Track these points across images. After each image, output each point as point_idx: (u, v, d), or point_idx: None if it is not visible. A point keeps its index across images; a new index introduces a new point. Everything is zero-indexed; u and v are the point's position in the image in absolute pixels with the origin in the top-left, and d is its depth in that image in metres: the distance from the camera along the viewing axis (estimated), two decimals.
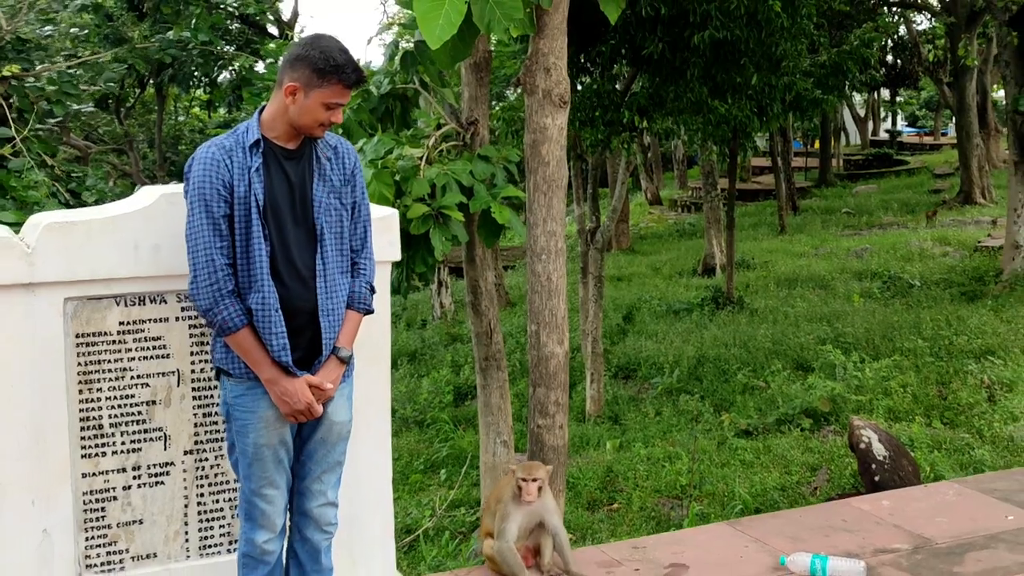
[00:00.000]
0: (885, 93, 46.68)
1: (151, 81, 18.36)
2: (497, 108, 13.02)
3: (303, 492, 3.37)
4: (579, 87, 12.24)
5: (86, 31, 11.74)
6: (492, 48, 15.60)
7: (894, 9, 27.00)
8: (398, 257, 3.88)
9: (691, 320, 16.02)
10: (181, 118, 27.03)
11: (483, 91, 7.91)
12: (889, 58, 33.91)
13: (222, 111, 19.36)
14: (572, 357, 14.78)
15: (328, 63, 3.11)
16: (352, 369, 3.39)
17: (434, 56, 5.85)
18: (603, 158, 19.15)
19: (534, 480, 4.19)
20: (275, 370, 3.14)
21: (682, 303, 17.21)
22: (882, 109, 51.55)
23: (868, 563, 4.29)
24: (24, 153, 6.10)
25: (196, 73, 15.39)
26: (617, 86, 12.18)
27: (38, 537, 3.35)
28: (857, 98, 43.15)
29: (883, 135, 47.42)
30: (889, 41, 31.98)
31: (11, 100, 6.42)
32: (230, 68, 10.75)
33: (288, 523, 3.41)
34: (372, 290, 3.39)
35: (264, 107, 3.26)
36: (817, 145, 35.21)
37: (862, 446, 8.28)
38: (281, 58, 3.27)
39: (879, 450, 8.24)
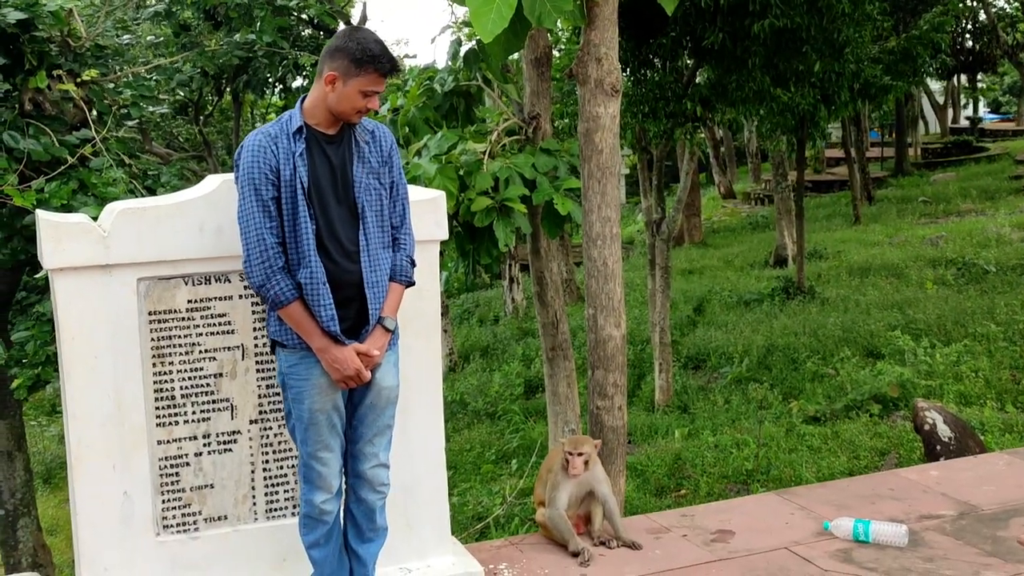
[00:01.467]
0: (965, 80, 45.64)
1: (228, 88, 18.92)
2: (559, 104, 13.16)
3: (356, 455, 3.60)
4: (642, 80, 12.34)
5: (161, 39, 12.20)
6: (562, 45, 15.73)
7: None
8: (446, 236, 4.08)
9: (761, 310, 16.02)
10: (258, 125, 27.70)
11: (544, 86, 8.08)
12: (969, 43, 33.22)
13: None
14: (642, 348, 14.94)
15: (365, 53, 3.33)
16: (397, 337, 3.61)
17: (488, 49, 6.06)
18: (669, 150, 19.21)
19: (580, 454, 4.37)
20: (325, 339, 3.37)
21: (752, 294, 17.20)
22: (962, 96, 50.42)
23: (912, 528, 4.39)
24: (103, 153, 6.49)
25: (270, 79, 15.83)
26: (678, 77, 12.26)
27: (119, 498, 3.64)
28: (936, 85, 42.30)
29: (963, 122, 46.39)
30: (969, 24, 31.37)
31: (91, 104, 6.82)
32: (303, 73, 11.11)
33: (344, 486, 3.64)
34: (412, 263, 3.60)
35: (305, 96, 3.50)
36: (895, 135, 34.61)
37: (926, 427, 8.28)
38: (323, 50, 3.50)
39: (944, 431, 8.23)
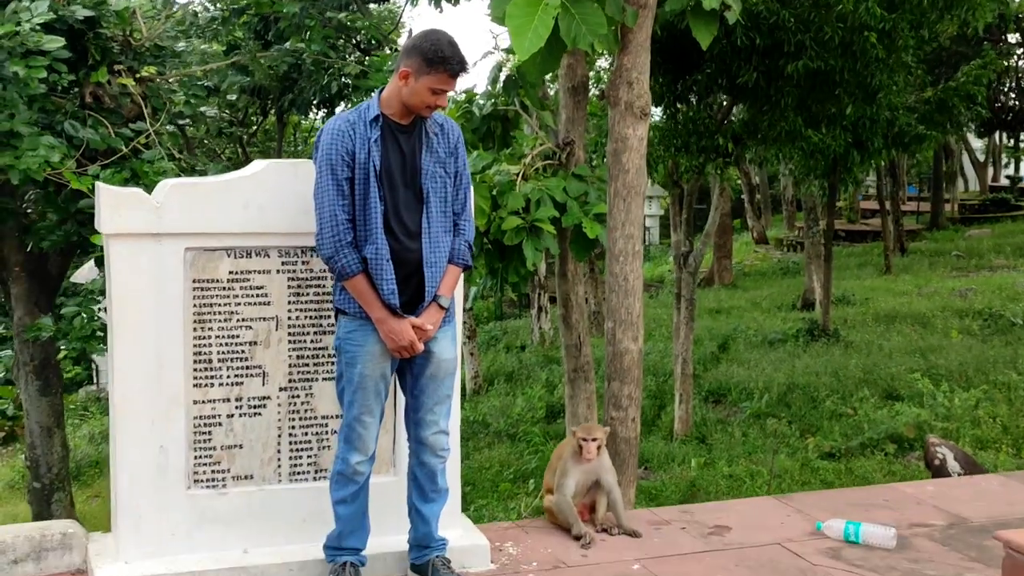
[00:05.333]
0: (1008, 139, 45.54)
1: (272, 108, 19.42)
2: (594, 135, 13.46)
3: (418, 423, 3.91)
4: (676, 114, 12.62)
5: (211, 55, 12.70)
6: (603, 75, 16.03)
7: (1018, 50, 26.66)
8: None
9: (785, 350, 16.17)
10: (299, 148, 28.25)
11: (580, 113, 8.34)
12: (1016, 102, 33.17)
13: None
14: (665, 380, 15.12)
15: (436, 54, 3.66)
16: (453, 314, 3.94)
17: (523, 67, 6.35)
18: (703, 192, 19.45)
19: (593, 440, 4.62)
20: (384, 311, 3.70)
21: (777, 334, 17.35)
22: (1004, 155, 50.30)
23: (902, 534, 4.58)
24: (156, 145, 6.89)
25: (314, 100, 16.27)
26: (712, 113, 12.52)
27: (156, 451, 3.93)
28: (977, 143, 42.27)
29: (1004, 181, 46.25)
30: (1014, 83, 31.41)
31: (147, 99, 7.24)
32: (341, 79, 11.51)
33: (407, 451, 4.00)
34: (471, 248, 3.94)
35: (383, 89, 3.85)
36: None
37: (936, 462, 8.44)
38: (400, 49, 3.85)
39: (954, 467, 8.38)
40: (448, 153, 3.86)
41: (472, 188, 3.98)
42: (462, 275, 3.99)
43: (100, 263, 7.16)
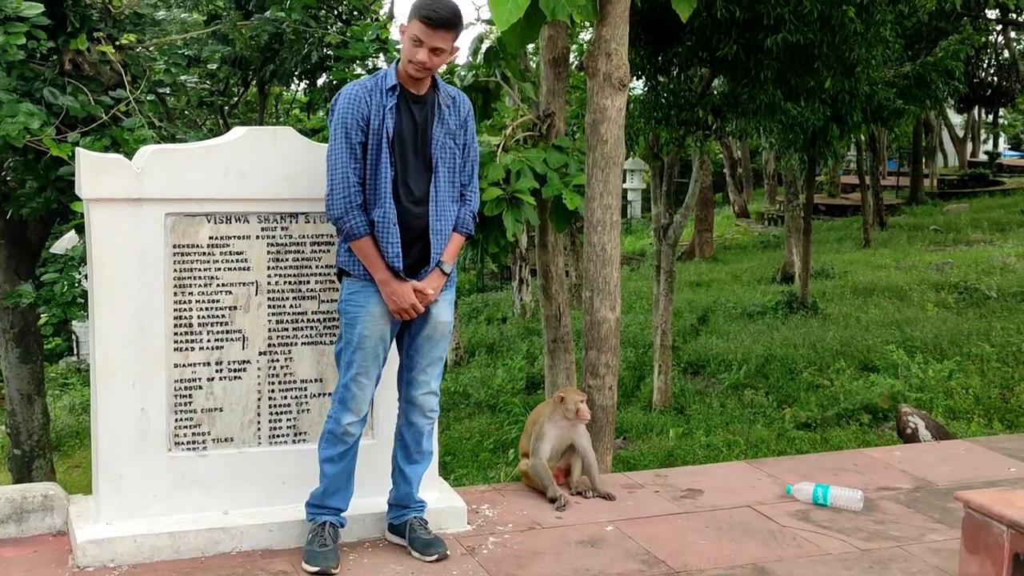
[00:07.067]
0: (987, 116, 45.81)
1: (254, 79, 19.33)
2: (575, 105, 13.51)
3: (410, 382, 4.02)
4: (656, 86, 12.66)
5: (191, 30, 12.67)
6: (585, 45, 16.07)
7: (997, 27, 26.77)
8: None
9: (763, 322, 16.31)
10: (281, 119, 28.17)
11: (560, 85, 8.38)
12: (994, 77, 33.34)
13: (321, 113, 20.20)
14: (644, 352, 15.24)
15: (422, 4, 3.74)
16: (453, 280, 4.06)
17: (503, 38, 6.38)
18: (684, 166, 19.52)
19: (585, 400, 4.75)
20: (388, 273, 3.82)
21: (756, 306, 17.49)
22: (983, 131, 50.61)
23: (869, 497, 4.71)
24: (136, 113, 6.92)
25: (296, 71, 16.20)
26: (692, 85, 12.57)
27: (137, 414, 3.99)
28: (957, 119, 42.50)
29: (982, 156, 46.57)
30: (993, 60, 31.58)
31: (127, 67, 7.25)
32: (322, 49, 11.48)
33: (392, 413, 4.12)
34: (475, 218, 4.05)
35: (399, 60, 3.92)
36: None
37: (908, 431, 8.57)
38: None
39: (925, 436, 8.51)
40: (458, 125, 3.97)
41: (478, 161, 4.08)
42: None
43: (80, 231, 7.22)
